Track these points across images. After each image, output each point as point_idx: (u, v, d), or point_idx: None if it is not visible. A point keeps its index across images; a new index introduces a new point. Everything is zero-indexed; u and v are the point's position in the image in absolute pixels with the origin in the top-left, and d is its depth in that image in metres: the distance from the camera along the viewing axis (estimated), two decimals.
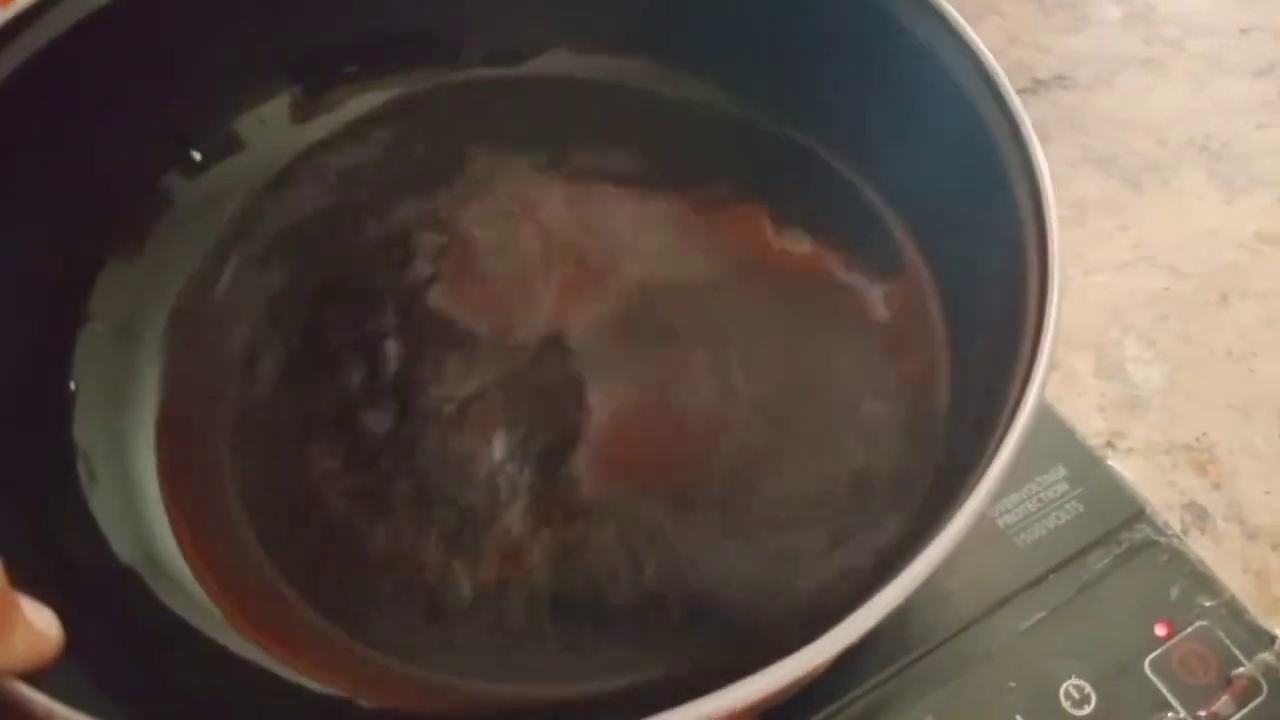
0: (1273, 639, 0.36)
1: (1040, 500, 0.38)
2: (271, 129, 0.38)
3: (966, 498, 0.24)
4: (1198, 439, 0.48)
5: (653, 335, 0.37)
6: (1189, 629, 0.36)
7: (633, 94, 0.41)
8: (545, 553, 0.33)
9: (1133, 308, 0.53)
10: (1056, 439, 0.40)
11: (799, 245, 0.40)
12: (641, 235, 0.40)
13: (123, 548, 0.30)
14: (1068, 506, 0.38)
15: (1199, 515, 0.46)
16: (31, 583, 0.22)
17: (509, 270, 0.39)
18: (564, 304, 0.38)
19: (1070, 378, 0.51)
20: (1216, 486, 0.47)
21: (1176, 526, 0.45)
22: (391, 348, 0.37)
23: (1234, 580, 0.42)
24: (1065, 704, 0.34)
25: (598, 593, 0.32)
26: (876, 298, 0.38)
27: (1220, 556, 0.45)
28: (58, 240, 0.33)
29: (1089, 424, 0.49)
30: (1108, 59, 0.63)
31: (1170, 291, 0.53)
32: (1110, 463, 0.40)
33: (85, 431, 0.32)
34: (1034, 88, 0.62)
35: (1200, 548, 0.44)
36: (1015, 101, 0.31)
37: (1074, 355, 0.51)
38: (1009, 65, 0.63)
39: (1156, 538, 0.38)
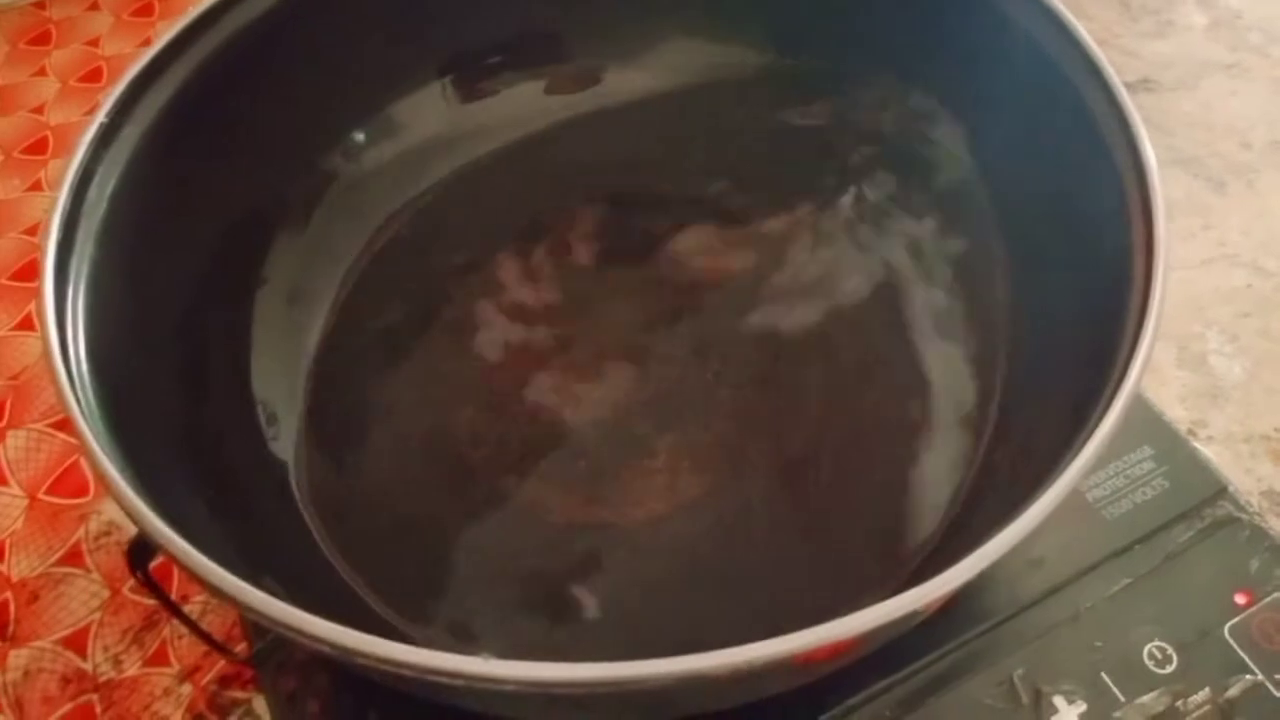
0: None
1: (1127, 477, 0.41)
2: (426, 114, 0.42)
3: (1060, 473, 0.26)
4: (1276, 429, 0.50)
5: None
6: (1267, 599, 0.38)
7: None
8: None
9: (1215, 303, 0.55)
10: (1143, 421, 0.42)
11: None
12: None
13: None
14: (1154, 483, 0.40)
15: (1276, 501, 0.48)
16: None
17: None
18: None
19: (1153, 368, 0.52)
20: None
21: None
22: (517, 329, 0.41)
23: None
24: (1148, 663, 0.37)
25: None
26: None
27: None
28: (238, 212, 0.37)
29: (1171, 412, 0.51)
30: (1192, 64, 0.64)
31: (1252, 289, 0.55)
32: (1205, 450, 0.42)
33: (260, 381, 0.36)
34: None
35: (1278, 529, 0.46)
36: (1121, 92, 0.33)
37: (1157, 347, 0.53)
38: None
39: (1238, 514, 0.40)
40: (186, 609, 0.47)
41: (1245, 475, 0.49)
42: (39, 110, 0.70)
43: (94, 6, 0.76)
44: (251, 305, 0.37)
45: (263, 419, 0.35)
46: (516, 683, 0.24)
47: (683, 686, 0.25)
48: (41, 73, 0.72)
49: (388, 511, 0.37)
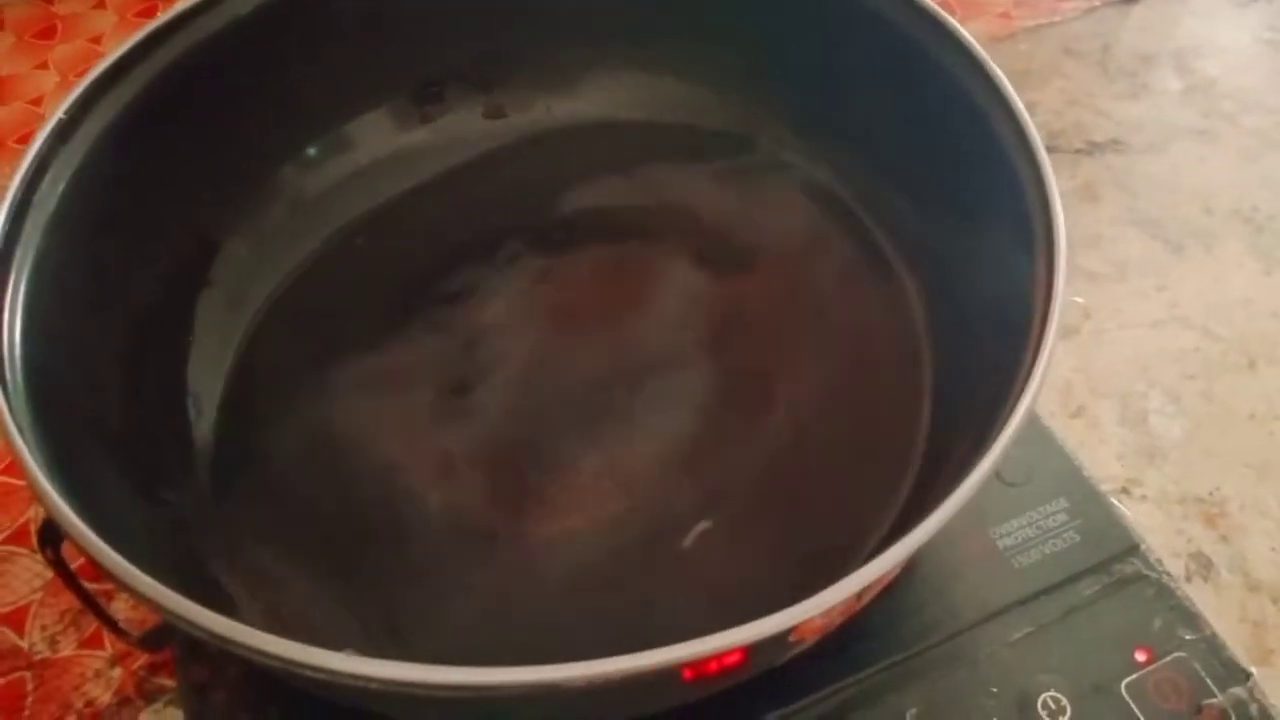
0: (1247, 675, 0.38)
1: (1040, 528, 0.41)
2: (375, 133, 0.43)
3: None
4: (1210, 493, 0.51)
5: None
6: (1168, 658, 0.38)
7: None
8: None
9: (1162, 364, 0.55)
10: (1063, 474, 0.43)
11: None
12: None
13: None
14: (1065, 535, 0.41)
15: (1203, 564, 0.49)
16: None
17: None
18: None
19: (1094, 424, 0.53)
20: (1224, 539, 0.49)
21: (1181, 573, 0.48)
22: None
23: (1231, 628, 0.45)
24: (1042, 713, 0.37)
25: None
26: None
27: (1221, 604, 0.47)
28: (189, 216, 0.38)
29: (1106, 469, 0.51)
30: (1164, 127, 0.65)
31: (1200, 352, 0.56)
32: (1121, 507, 0.43)
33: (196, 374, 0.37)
34: (1089, 149, 0.65)
35: (1201, 595, 0.46)
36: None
37: (1100, 403, 0.54)
38: (1066, 126, 0.67)
39: (1147, 572, 0.40)
40: (124, 595, 0.48)
41: (1176, 536, 0.50)
42: (37, 102, 0.72)
43: (99, 5, 0.78)
44: (194, 305, 0.38)
45: (191, 410, 0.37)
46: (376, 681, 0.25)
47: (538, 696, 0.26)
48: (44, 66, 0.74)
49: (297, 510, 0.38)
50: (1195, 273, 0.59)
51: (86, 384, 0.35)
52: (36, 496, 0.29)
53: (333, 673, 0.25)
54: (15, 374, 0.32)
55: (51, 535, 0.32)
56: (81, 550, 0.28)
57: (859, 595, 0.28)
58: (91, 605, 0.32)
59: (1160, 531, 0.50)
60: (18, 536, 0.51)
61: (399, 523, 0.39)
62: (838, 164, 0.45)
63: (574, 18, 0.44)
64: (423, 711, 0.30)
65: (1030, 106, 0.66)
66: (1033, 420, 0.44)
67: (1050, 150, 0.64)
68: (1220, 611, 0.47)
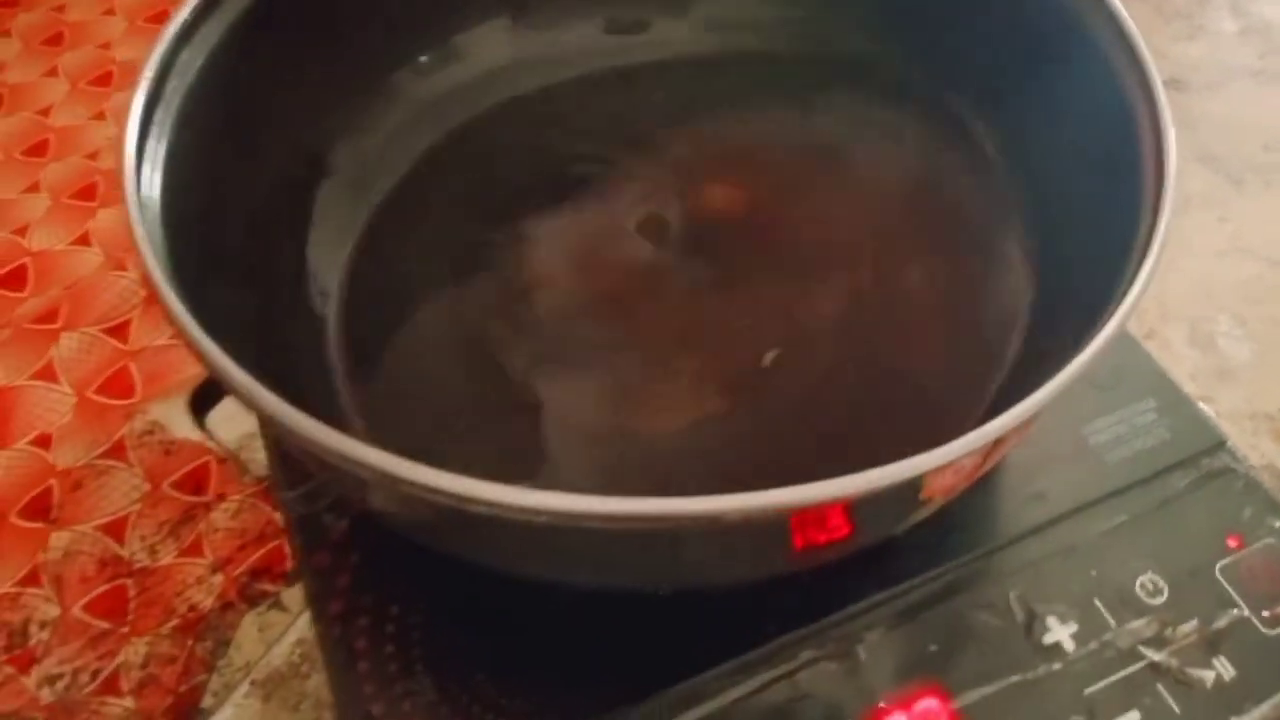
0: None
1: (1130, 425, 0.43)
2: (487, 46, 0.45)
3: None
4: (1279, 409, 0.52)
5: None
6: (1258, 544, 0.39)
7: None
8: None
9: (1227, 290, 0.56)
10: (1149, 375, 0.44)
11: None
12: None
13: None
14: (1155, 433, 0.42)
15: (1275, 475, 0.50)
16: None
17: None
18: None
19: (1165, 345, 0.55)
20: None
21: None
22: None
23: None
24: (1140, 593, 0.38)
25: None
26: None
27: None
28: (317, 112, 0.40)
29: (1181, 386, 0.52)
30: (1221, 67, 0.66)
31: (1263, 279, 0.57)
32: (1207, 409, 0.44)
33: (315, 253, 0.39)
34: None
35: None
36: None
37: (1169, 326, 0.55)
38: None
39: (1235, 466, 0.41)
40: (224, 505, 0.50)
41: (1249, 450, 0.51)
42: (106, 46, 0.73)
43: (109, 11, 0.77)
44: (316, 191, 0.40)
45: (313, 289, 0.38)
46: (549, 513, 0.26)
47: (698, 529, 0.27)
48: (53, 73, 0.75)
49: (418, 390, 0.39)
50: (1256, 206, 0.60)
51: (220, 256, 0.36)
52: (198, 354, 0.30)
53: (505, 506, 0.26)
54: (160, 250, 0.33)
55: (205, 399, 0.33)
56: (248, 403, 0.29)
57: (993, 447, 0.29)
58: (238, 465, 0.33)
59: None
60: (114, 451, 0.52)
61: (507, 413, 0.41)
62: (951, 78, 0.46)
63: None
64: (545, 557, 0.32)
65: None
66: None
67: None
68: None
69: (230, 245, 0.38)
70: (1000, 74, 0.44)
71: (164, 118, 0.37)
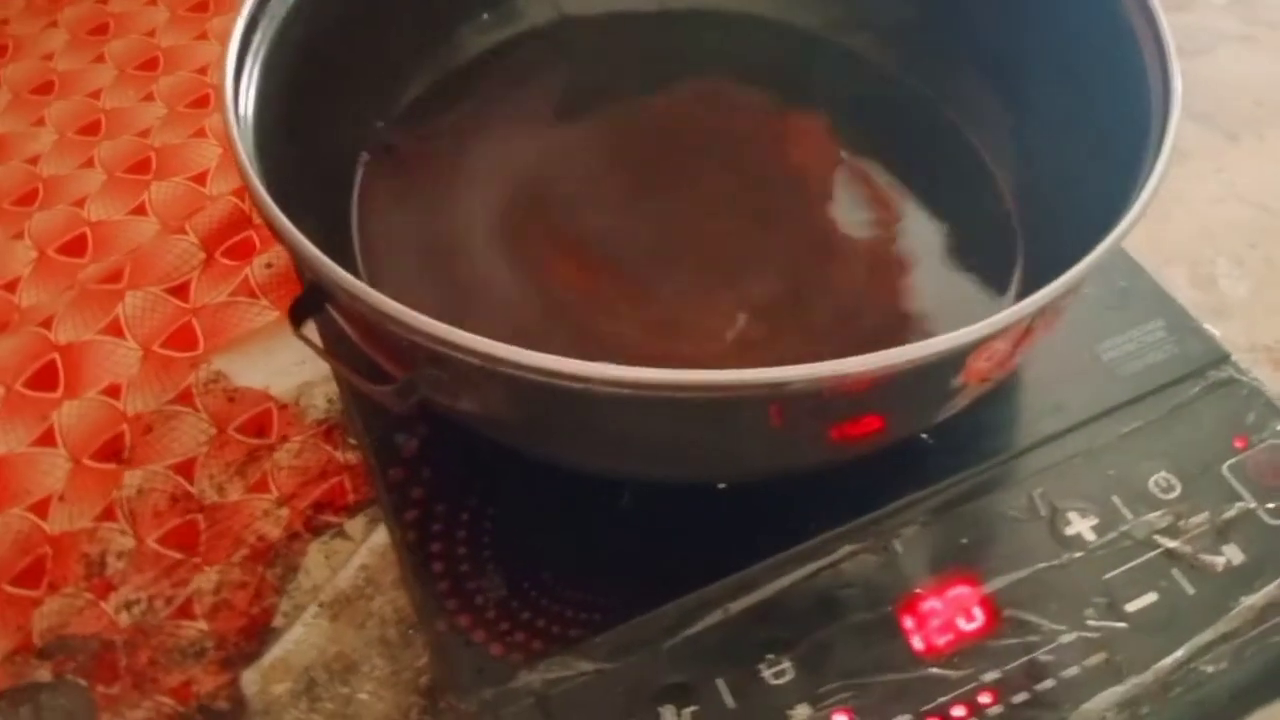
0: None
1: (1140, 343, 0.46)
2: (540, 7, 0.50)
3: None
4: (1277, 341, 0.55)
5: None
6: (1263, 444, 0.43)
7: None
8: None
9: (1224, 234, 0.60)
10: (1156, 300, 0.48)
11: None
12: None
13: None
14: (1164, 349, 0.46)
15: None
16: None
17: None
18: None
19: (1168, 286, 0.58)
20: None
21: None
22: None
23: None
24: (1154, 490, 0.41)
25: None
26: None
27: None
28: (388, 60, 0.44)
29: None
30: (1210, 34, 0.70)
31: (1258, 223, 0.60)
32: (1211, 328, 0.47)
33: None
34: None
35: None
36: None
37: (1170, 269, 0.59)
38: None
39: (1239, 377, 0.45)
40: (286, 446, 0.53)
41: None
42: (150, 34, 0.76)
43: (152, 2, 0.80)
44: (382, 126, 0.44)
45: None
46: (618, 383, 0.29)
47: (760, 398, 0.30)
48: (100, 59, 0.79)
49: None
50: (1250, 156, 0.64)
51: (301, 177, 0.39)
52: (305, 263, 0.33)
53: (589, 379, 0.29)
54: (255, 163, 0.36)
55: (307, 307, 0.36)
56: (357, 303, 0.32)
57: (1027, 328, 0.33)
58: (345, 367, 0.36)
59: None
60: (181, 398, 0.55)
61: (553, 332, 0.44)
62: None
63: None
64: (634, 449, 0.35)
65: None
66: (1126, 258, 0.49)
67: None
68: None
69: (308, 165, 0.42)
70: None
71: (259, 46, 0.41)
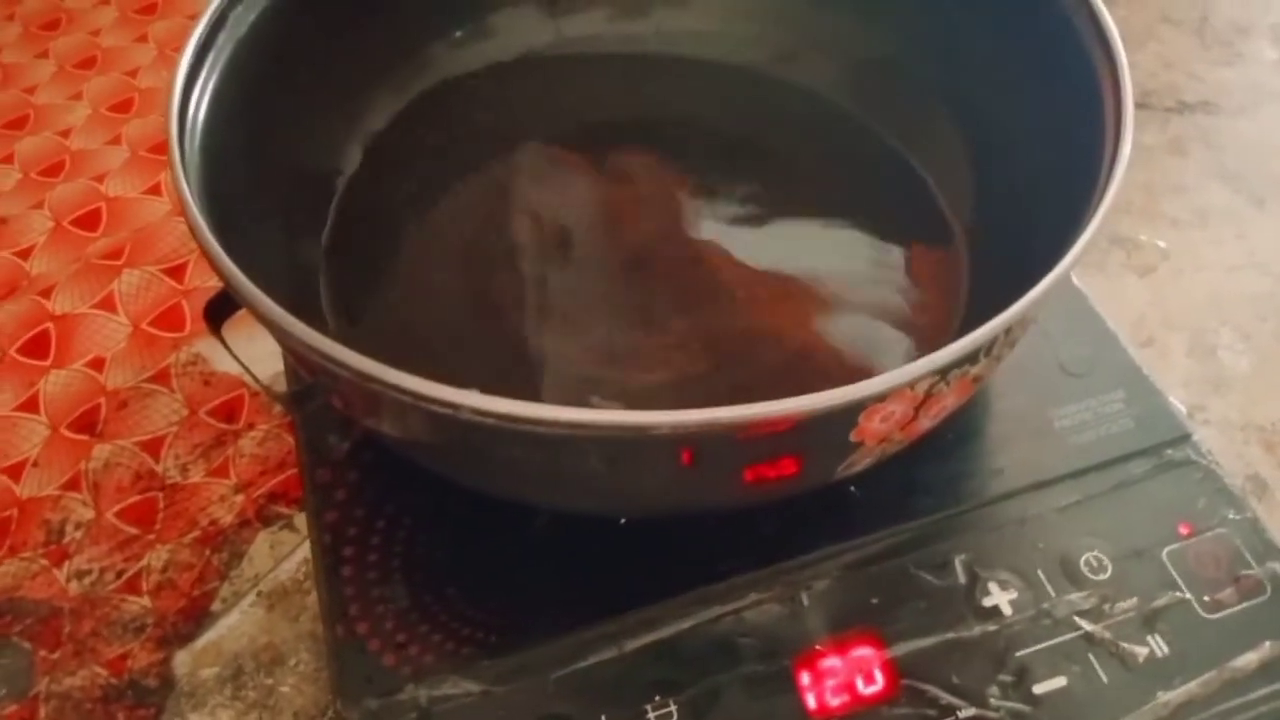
0: None
1: (1096, 413, 0.44)
2: (517, 26, 0.50)
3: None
4: (1273, 423, 0.53)
5: None
6: (1209, 533, 0.41)
7: None
8: None
9: (1235, 305, 0.57)
10: (1123, 370, 0.45)
11: None
12: None
13: None
14: (1120, 421, 0.44)
15: (1259, 485, 0.51)
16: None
17: None
18: None
19: (1163, 353, 0.56)
20: None
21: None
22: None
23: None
24: (1084, 569, 0.40)
25: None
26: None
27: (1273, 522, 0.49)
28: (359, 76, 0.45)
29: (1170, 394, 0.53)
30: (1255, 92, 0.67)
31: (1274, 297, 0.57)
32: (1178, 404, 0.45)
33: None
34: (1179, 108, 0.67)
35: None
36: None
37: (1170, 335, 0.56)
38: (1160, 86, 0.69)
39: (1197, 459, 0.43)
40: (251, 434, 0.54)
41: (1235, 459, 0.52)
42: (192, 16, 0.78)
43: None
44: (346, 145, 0.45)
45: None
46: (496, 416, 0.29)
47: (632, 441, 0.30)
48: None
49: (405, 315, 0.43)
50: (1275, 225, 0.61)
51: (254, 192, 0.40)
52: (218, 270, 0.34)
53: (481, 412, 0.29)
54: (194, 181, 0.37)
55: (219, 309, 0.37)
56: (255, 311, 0.32)
57: (923, 397, 0.32)
58: (248, 371, 0.37)
59: (1220, 455, 0.52)
60: (159, 377, 0.56)
61: (497, 365, 0.44)
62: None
63: None
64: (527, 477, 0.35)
65: None
66: (1097, 321, 0.47)
67: (1141, 107, 0.67)
68: (1273, 530, 0.48)
69: (263, 182, 0.42)
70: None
71: (215, 60, 0.41)
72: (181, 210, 0.35)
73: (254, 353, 0.58)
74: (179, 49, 0.40)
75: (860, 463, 0.36)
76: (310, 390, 0.34)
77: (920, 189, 0.49)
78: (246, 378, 0.52)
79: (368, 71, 0.47)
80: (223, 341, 0.37)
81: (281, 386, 0.55)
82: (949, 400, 0.34)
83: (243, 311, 0.38)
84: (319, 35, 0.44)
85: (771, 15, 0.52)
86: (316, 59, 0.44)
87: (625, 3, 0.53)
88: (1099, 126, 0.38)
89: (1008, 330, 0.32)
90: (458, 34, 0.50)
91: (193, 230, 0.34)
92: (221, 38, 0.42)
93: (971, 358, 0.32)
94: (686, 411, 0.29)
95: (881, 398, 0.31)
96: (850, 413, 0.31)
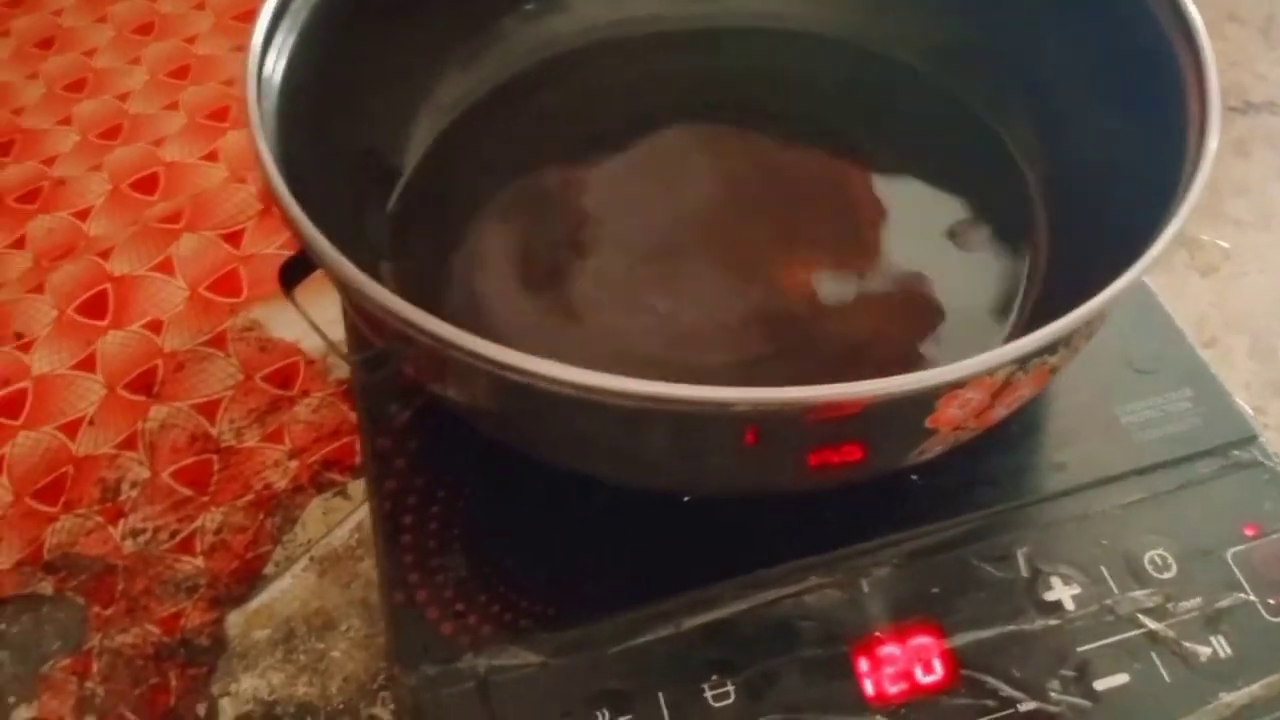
0: None
1: (1163, 410, 0.44)
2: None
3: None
4: None
5: None
6: (1275, 535, 0.40)
7: None
8: None
9: None
10: (1190, 368, 0.45)
11: None
12: None
13: None
14: (1187, 419, 0.43)
15: None
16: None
17: None
18: None
19: (1225, 354, 0.55)
20: None
21: None
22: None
23: None
24: (1148, 566, 0.39)
25: None
26: None
27: None
28: (429, 47, 0.47)
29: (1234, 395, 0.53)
30: None
31: None
32: (1245, 406, 0.45)
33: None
34: (1244, 109, 0.66)
35: None
36: None
37: (1232, 336, 0.56)
38: (1225, 84, 0.68)
39: (1263, 460, 0.42)
40: (306, 401, 0.54)
41: None
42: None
43: None
44: (417, 114, 0.45)
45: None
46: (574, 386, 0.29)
47: (706, 415, 0.30)
48: None
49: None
50: None
51: (319, 146, 0.40)
52: (297, 233, 0.34)
53: (519, 370, 0.29)
54: (270, 127, 0.37)
55: (294, 272, 0.37)
56: (333, 274, 0.32)
57: (1002, 385, 0.31)
58: (322, 334, 0.37)
59: None
60: (216, 341, 0.57)
61: (562, 338, 0.44)
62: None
63: None
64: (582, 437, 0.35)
65: None
66: (1165, 319, 0.47)
67: None
68: None
69: (334, 151, 0.42)
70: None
71: (291, 24, 0.41)
72: (245, 178, 0.35)
73: (317, 319, 0.58)
74: (236, 18, 0.41)
75: (932, 449, 0.35)
76: (380, 356, 0.34)
77: (1003, 167, 0.48)
78: (305, 344, 0.53)
79: (438, 43, 0.47)
80: (295, 304, 0.37)
81: (334, 358, 0.56)
82: (1025, 389, 0.34)
83: (309, 278, 0.39)
84: (392, 4, 0.44)
85: None
86: (388, 28, 0.44)
87: None
88: (1182, 121, 0.37)
89: (1088, 323, 0.32)
90: (529, 6, 0.50)
91: (274, 193, 0.34)
92: (296, 3, 0.42)
93: (1050, 348, 0.31)
94: (765, 390, 0.29)
95: (961, 384, 0.31)
96: (929, 398, 0.31)
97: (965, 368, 0.30)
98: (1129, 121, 0.41)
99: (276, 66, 0.41)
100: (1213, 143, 0.35)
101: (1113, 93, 0.43)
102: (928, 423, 0.33)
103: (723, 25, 0.54)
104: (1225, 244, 0.59)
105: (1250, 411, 0.44)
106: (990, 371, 0.31)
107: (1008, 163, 0.49)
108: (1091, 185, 0.44)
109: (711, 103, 0.52)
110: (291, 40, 0.41)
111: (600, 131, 0.49)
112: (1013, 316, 0.45)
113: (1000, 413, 0.35)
